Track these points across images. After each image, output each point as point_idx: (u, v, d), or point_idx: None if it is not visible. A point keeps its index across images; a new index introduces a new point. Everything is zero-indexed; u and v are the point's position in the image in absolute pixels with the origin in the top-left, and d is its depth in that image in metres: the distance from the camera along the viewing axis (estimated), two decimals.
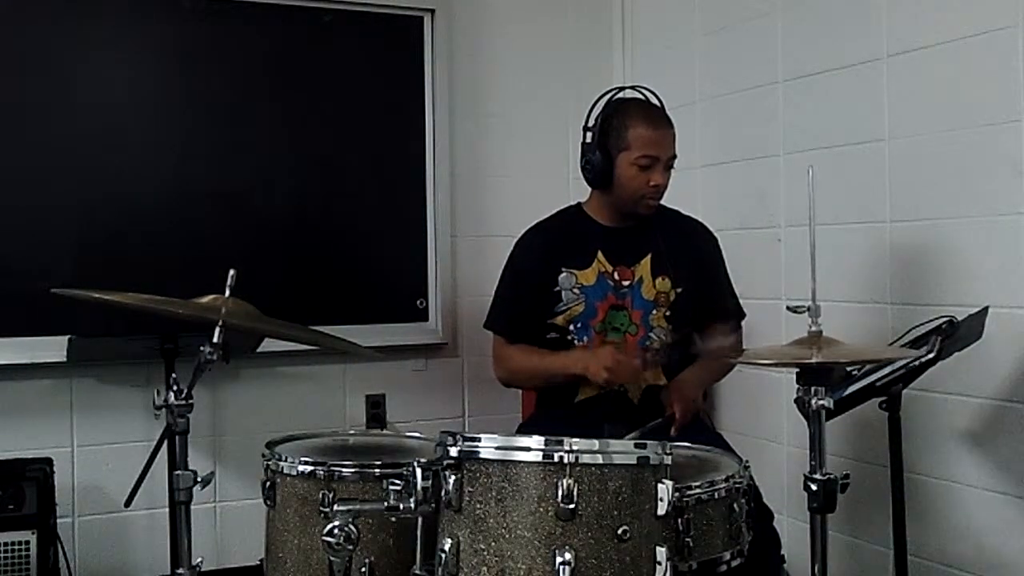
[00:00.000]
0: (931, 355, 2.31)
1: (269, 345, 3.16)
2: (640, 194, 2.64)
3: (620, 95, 2.71)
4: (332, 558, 1.93)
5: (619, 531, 1.77)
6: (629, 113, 2.63)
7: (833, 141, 3.03)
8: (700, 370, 2.73)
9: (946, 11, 2.70)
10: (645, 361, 2.62)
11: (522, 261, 2.79)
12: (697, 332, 2.77)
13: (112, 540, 3.27)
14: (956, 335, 2.38)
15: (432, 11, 3.63)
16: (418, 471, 1.85)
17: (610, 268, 2.71)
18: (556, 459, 1.76)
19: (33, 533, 2.82)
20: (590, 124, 2.68)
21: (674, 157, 2.66)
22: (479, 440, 1.81)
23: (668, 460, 1.86)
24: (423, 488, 1.85)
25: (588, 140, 2.67)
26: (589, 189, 2.79)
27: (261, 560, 2.34)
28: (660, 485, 1.83)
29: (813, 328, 2.04)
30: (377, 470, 2.18)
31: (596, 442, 1.80)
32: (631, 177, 2.63)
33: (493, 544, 1.77)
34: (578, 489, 1.75)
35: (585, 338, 2.69)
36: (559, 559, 1.73)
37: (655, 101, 2.69)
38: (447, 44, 3.65)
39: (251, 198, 3.40)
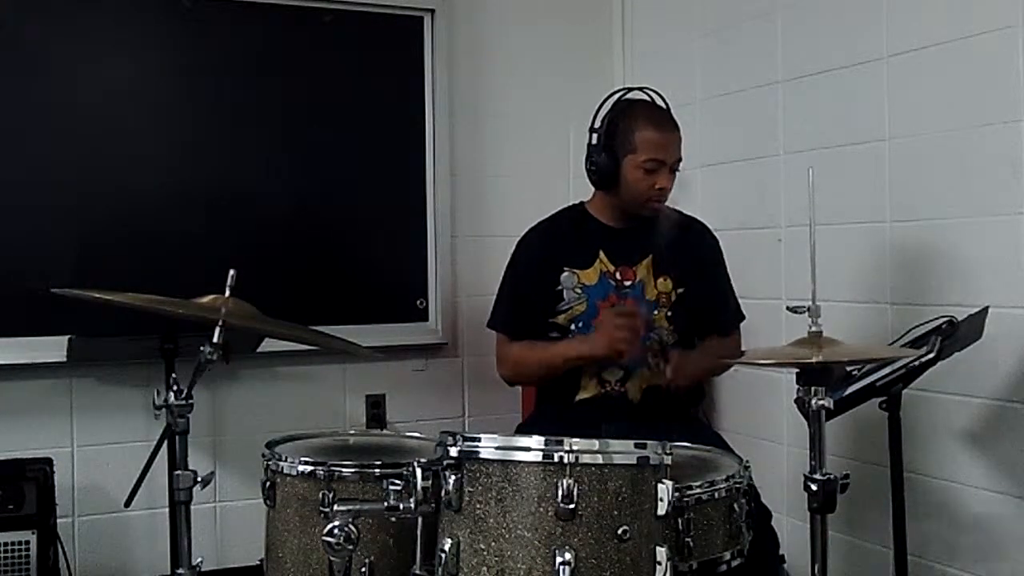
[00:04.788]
0: (931, 355, 2.31)
1: (269, 345, 3.17)
2: (645, 197, 2.64)
3: (627, 97, 2.71)
4: (332, 558, 1.94)
5: (619, 531, 1.77)
6: (636, 116, 2.63)
7: (833, 141, 3.03)
8: (702, 355, 2.72)
9: (946, 11, 2.69)
10: (647, 323, 2.64)
11: (524, 260, 2.79)
12: (696, 332, 2.79)
13: (112, 540, 3.27)
14: (956, 335, 2.38)
15: (432, 11, 3.63)
16: (418, 471, 1.85)
17: (612, 268, 2.71)
18: (556, 459, 1.76)
19: (33, 533, 2.82)
20: (596, 126, 2.68)
21: (680, 160, 2.67)
22: (479, 440, 1.81)
23: (668, 460, 1.86)
24: (423, 488, 1.85)
25: (594, 142, 2.67)
26: (589, 189, 2.79)
27: (261, 560, 2.34)
28: (660, 485, 1.83)
29: (813, 328, 2.04)
30: (377, 470, 2.18)
31: (596, 442, 1.80)
32: (637, 180, 2.63)
33: (493, 544, 1.77)
34: (578, 489, 1.75)
35: None
36: (559, 559, 1.73)
37: (661, 103, 2.69)
38: (447, 44, 3.65)
39: (251, 198, 3.40)
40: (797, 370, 2.02)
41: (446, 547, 1.80)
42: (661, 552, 1.82)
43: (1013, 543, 2.58)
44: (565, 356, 2.65)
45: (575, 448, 1.76)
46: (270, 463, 2.27)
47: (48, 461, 2.97)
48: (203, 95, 3.36)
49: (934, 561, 2.75)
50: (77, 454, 3.24)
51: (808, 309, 2.05)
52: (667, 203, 2.72)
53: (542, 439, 1.79)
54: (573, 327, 2.70)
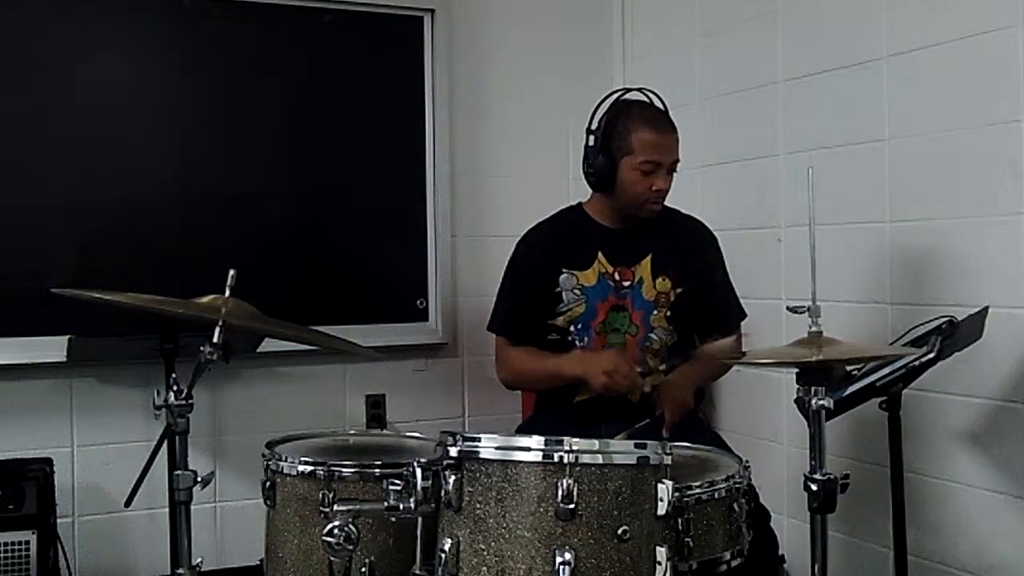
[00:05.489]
0: (931, 355, 2.31)
1: (269, 345, 3.17)
2: (643, 198, 2.64)
3: (624, 98, 2.70)
4: (332, 558, 1.94)
5: (619, 531, 1.77)
6: (633, 117, 2.62)
7: (833, 141, 3.03)
8: (692, 369, 2.72)
9: (946, 11, 2.70)
10: (646, 367, 2.64)
11: (523, 262, 2.79)
12: (698, 333, 2.79)
13: (112, 540, 3.27)
14: (956, 335, 2.38)
15: (432, 11, 3.63)
16: (418, 471, 1.85)
17: (610, 269, 2.71)
18: (556, 459, 1.76)
19: (33, 533, 2.81)
20: (593, 127, 2.67)
21: (677, 161, 2.66)
22: (479, 440, 1.81)
23: (668, 460, 1.86)
24: (423, 488, 1.85)
25: (591, 143, 2.67)
26: (589, 189, 2.79)
27: (261, 560, 2.34)
28: (660, 485, 1.83)
29: (813, 328, 2.04)
30: (377, 470, 2.18)
31: (596, 442, 1.80)
32: (634, 181, 2.62)
33: (493, 544, 1.77)
34: (578, 489, 1.75)
35: (586, 339, 2.69)
36: (559, 559, 1.73)
37: (658, 103, 2.69)
38: (447, 44, 3.65)
39: (251, 198, 3.40)
40: (797, 370, 2.02)
41: (446, 547, 1.80)
42: (661, 552, 1.82)
43: (1013, 543, 2.58)
44: (564, 375, 2.64)
45: (575, 448, 1.76)
46: (270, 463, 2.27)
47: (48, 461, 2.97)
48: (203, 95, 3.36)
49: (934, 561, 2.75)
50: (77, 454, 3.24)
51: (808, 309, 2.05)
52: (666, 202, 2.71)
53: (542, 439, 1.79)
54: (572, 328, 2.70)
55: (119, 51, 3.28)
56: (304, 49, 3.48)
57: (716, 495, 2.06)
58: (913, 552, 2.51)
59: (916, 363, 2.31)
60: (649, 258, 2.71)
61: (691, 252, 2.76)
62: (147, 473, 2.51)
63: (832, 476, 1.98)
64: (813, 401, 1.98)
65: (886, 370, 2.35)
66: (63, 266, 3.16)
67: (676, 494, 1.86)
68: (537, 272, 2.73)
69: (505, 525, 1.77)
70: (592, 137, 2.67)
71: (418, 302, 3.63)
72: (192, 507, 2.26)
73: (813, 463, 1.99)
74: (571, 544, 1.74)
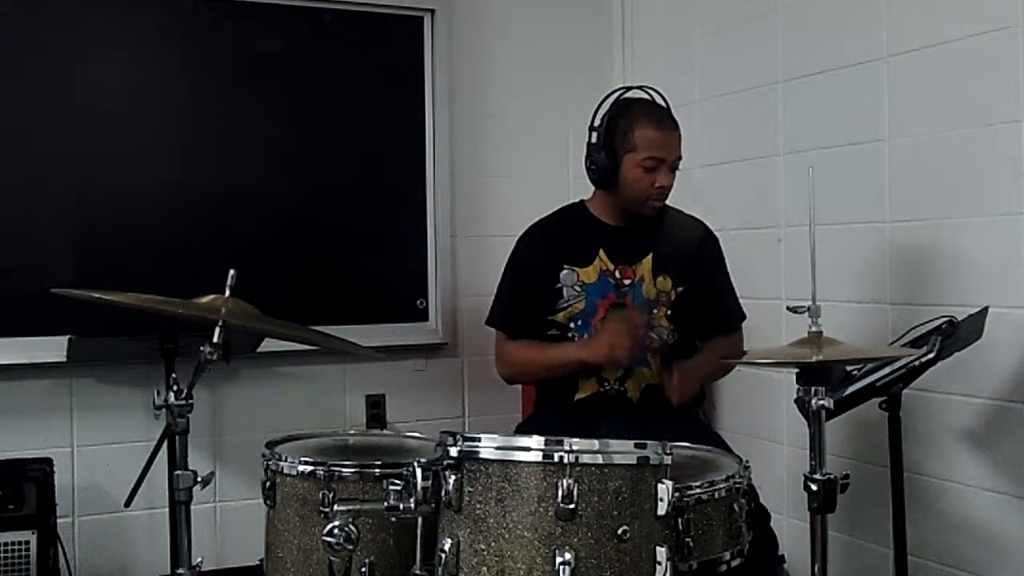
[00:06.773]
0: (931, 355, 2.31)
1: (269, 345, 3.17)
2: (645, 195, 2.64)
3: (626, 95, 2.71)
4: (332, 558, 1.94)
5: (619, 531, 1.77)
6: (635, 114, 2.63)
7: (833, 141, 3.03)
8: (700, 362, 2.72)
9: (946, 11, 2.70)
10: (647, 330, 2.65)
11: (524, 257, 2.79)
12: (698, 333, 2.79)
13: (112, 540, 3.27)
14: (956, 335, 2.39)
15: (432, 11, 3.63)
16: (418, 471, 1.85)
17: (611, 266, 2.71)
18: (556, 459, 1.76)
19: (33, 533, 2.82)
20: (596, 124, 2.67)
21: (679, 158, 2.66)
22: (479, 440, 1.81)
23: (668, 460, 1.86)
24: (423, 488, 1.85)
25: (594, 140, 2.67)
26: (589, 189, 2.79)
27: (261, 560, 2.34)
28: (660, 485, 1.83)
29: (813, 328, 2.04)
30: (377, 470, 2.18)
31: (596, 442, 1.80)
32: (636, 178, 2.62)
33: (493, 544, 1.77)
34: (578, 489, 1.75)
35: (585, 335, 2.69)
36: (559, 559, 1.73)
37: (661, 102, 2.69)
38: (447, 44, 3.65)
39: (251, 198, 3.40)
40: (797, 370, 2.02)
41: (446, 547, 1.80)
42: (661, 552, 1.82)
43: (1013, 543, 2.58)
44: (566, 360, 2.65)
45: (575, 448, 1.76)
46: (270, 463, 2.27)
47: (48, 461, 2.97)
48: (203, 95, 3.36)
49: (934, 561, 2.75)
50: (77, 454, 3.24)
51: (808, 309, 2.05)
52: (667, 202, 2.72)
53: (542, 439, 1.79)
54: (572, 325, 2.70)
55: (119, 51, 3.28)
56: (304, 49, 3.48)
57: (716, 495, 2.06)
58: (913, 552, 2.51)
59: (916, 363, 2.32)
60: (650, 257, 2.72)
61: (692, 252, 2.76)
62: (147, 473, 2.50)
63: (832, 476, 1.99)
64: (813, 401, 1.98)
65: (886, 370, 2.35)
66: (63, 266, 3.16)
67: (676, 494, 1.87)
68: (538, 267, 2.73)
69: (505, 525, 1.77)
70: (595, 134, 2.67)
71: (418, 302, 3.63)
72: (192, 507, 2.26)
73: (813, 463, 1.99)
74: (571, 544, 1.75)
